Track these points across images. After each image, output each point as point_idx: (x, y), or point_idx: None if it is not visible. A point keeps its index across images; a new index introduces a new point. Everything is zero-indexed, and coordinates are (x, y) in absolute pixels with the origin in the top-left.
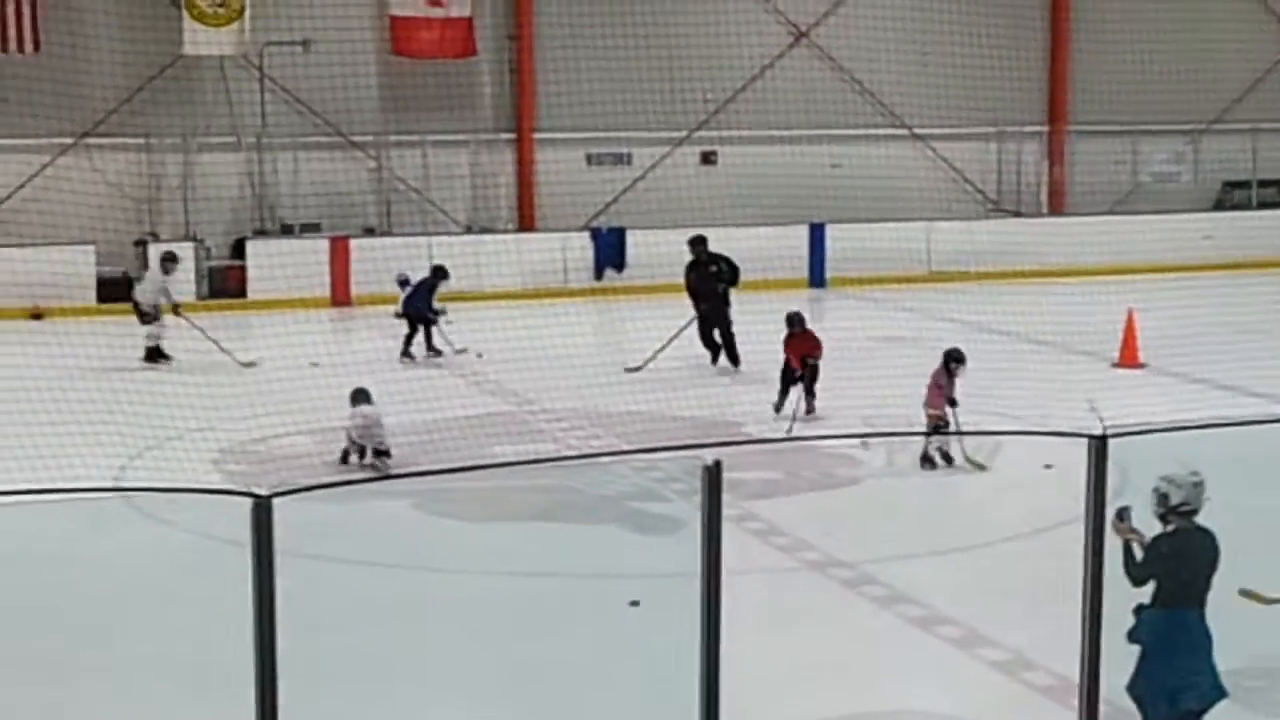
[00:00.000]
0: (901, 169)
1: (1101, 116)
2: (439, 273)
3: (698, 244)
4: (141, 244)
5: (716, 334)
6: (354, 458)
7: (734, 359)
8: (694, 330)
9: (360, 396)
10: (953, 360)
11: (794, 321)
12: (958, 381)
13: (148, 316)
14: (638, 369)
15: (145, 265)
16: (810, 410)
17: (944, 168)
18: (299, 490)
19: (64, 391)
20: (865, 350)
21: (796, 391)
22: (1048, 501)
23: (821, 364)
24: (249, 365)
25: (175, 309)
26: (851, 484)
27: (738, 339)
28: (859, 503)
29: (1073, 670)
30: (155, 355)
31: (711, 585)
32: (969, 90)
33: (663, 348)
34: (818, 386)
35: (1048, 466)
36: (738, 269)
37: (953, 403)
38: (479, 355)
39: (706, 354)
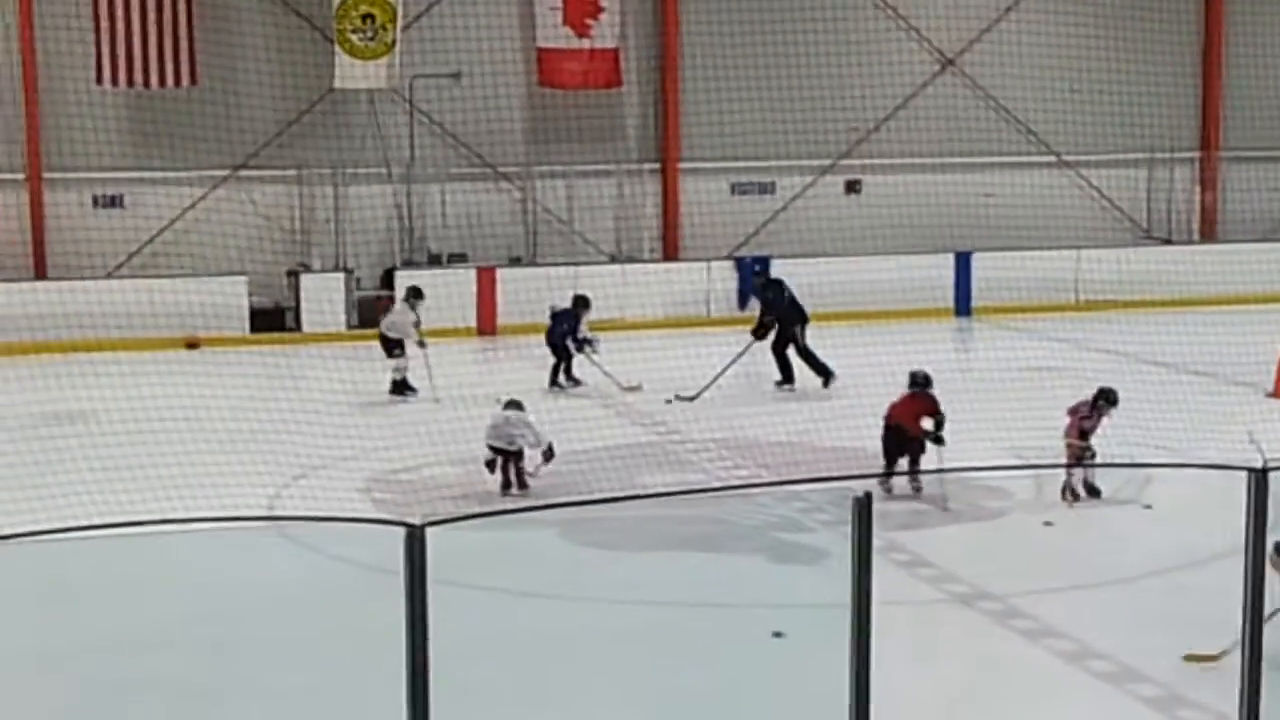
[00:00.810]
0: (1049, 196)
1: (1255, 142)
2: (581, 302)
3: (758, 274)
4: (294, 275)
5: (791, 355)
6: (497, 474)
7: (818, 372)
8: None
9: (510, 405)
10: (1103, 399)
11: (922, 381)
12: (1105, 420)
13: (395, 350)
14: (692, 399)
15: (297, 293)
16: (918, 490)
17: (1093, 195)
18: (451, 520)
19: (220, 420)
20: (1012, 380)
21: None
22: (1201, 534)
23: (966, 398)
24: (436, 401)
25: (421, 343)
26: (999, 516)
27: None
28: (1006, 535)
29: (1229, 707)
30: (402, 387)
31: (862, 617)
32: (1119, 116)
33: (718, 376)
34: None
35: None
36: (771, 288)
37: (1083, 435)
38: (637, 387)
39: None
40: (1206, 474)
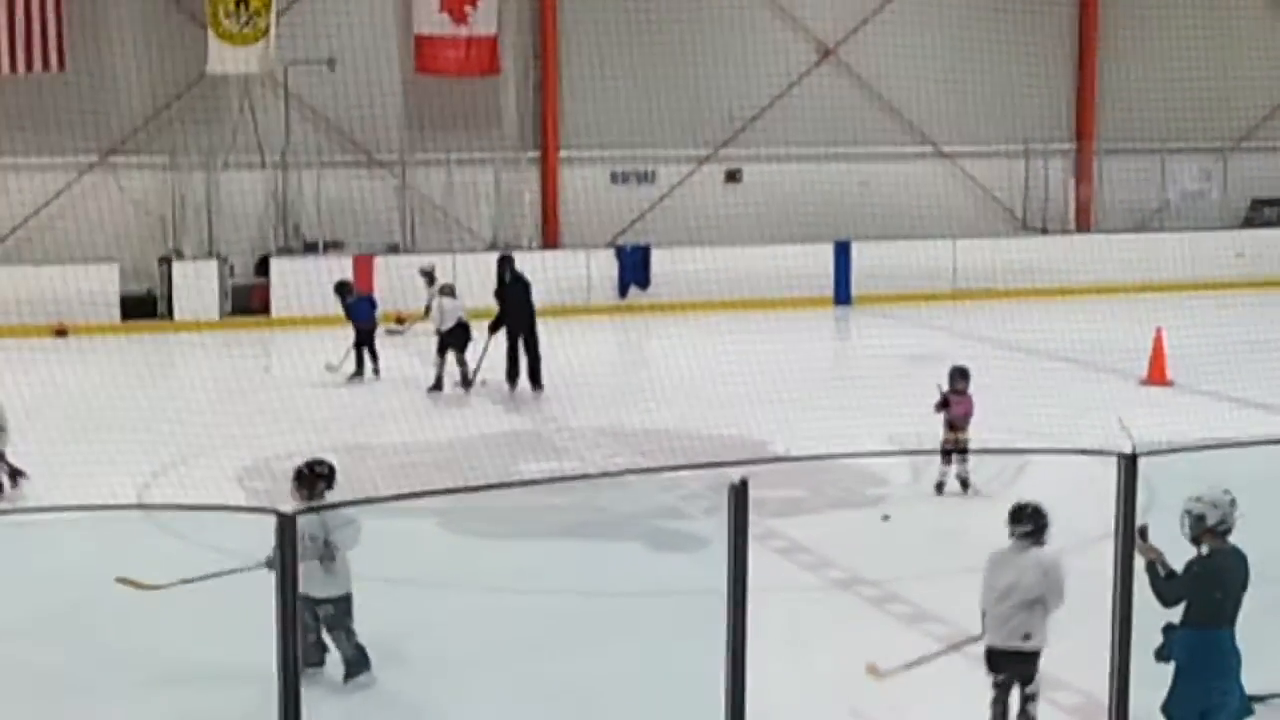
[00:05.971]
0: (928, 187)
1: (1129, 134)
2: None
3: (504, 263)
4: (166, 262)
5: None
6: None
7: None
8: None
9: None
10: (955, 376)
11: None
12: (968, 397)
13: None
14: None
15: (169, 281)
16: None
17: (970, 185)
18: (322, 507)
19: (88, 408)
20: (891, 368)
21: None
22: (1073, 520)
23: (845, 386)
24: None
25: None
26: (876, 502)
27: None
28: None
29: (1101, 689)
30: (467, 380)
31: (737, 603)
32: (996, 108)
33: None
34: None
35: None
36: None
37: (951, 426)
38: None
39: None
40: (1080, 460)
